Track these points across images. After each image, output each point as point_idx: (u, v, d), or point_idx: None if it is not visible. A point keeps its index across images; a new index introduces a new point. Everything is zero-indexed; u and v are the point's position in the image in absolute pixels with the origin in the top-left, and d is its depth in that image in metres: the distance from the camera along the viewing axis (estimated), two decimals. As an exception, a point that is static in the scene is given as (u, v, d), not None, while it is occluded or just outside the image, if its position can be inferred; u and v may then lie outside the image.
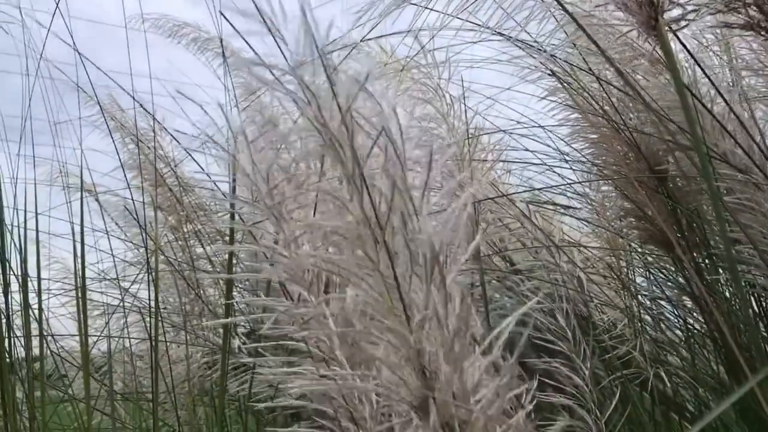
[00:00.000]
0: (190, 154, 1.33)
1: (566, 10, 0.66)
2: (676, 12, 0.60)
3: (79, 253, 0.94)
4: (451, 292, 0.39)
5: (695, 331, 1.24)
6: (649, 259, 1.25)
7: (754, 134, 0.90)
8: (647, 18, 0.59)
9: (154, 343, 0.84)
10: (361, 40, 1.12)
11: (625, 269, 1.26)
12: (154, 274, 1.00)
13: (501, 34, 1.02)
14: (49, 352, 1.18)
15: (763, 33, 0.61)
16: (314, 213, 0.52)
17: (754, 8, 0.60)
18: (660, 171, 1.12)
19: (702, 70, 0.84)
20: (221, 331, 1.11)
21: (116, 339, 1.13)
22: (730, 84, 0.98)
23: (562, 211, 1.29)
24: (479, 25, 1.00)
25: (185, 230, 1.33)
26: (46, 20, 1.16)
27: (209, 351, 1.12)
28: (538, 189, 1.30)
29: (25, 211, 1.07)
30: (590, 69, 1.07)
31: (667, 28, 0.61)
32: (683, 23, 0.61)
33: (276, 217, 0.50)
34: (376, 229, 0.40)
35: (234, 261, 1.15)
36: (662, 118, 0.98)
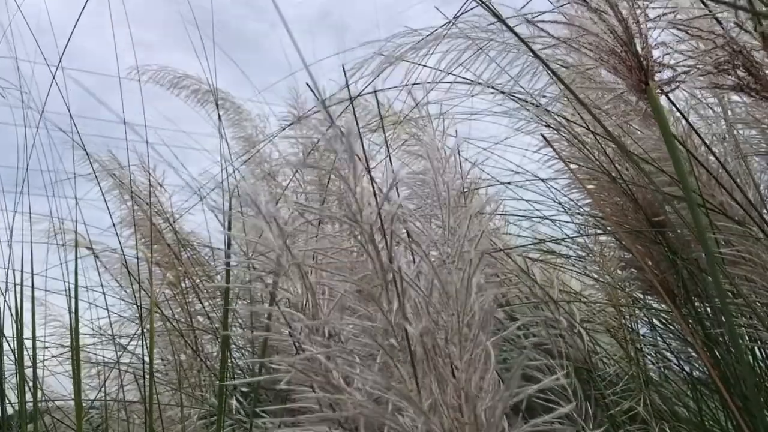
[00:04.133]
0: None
1: (552, 71, 0.66)
2: (666, 74, 0.61)
3: (74, 311, 0.93)
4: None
5: (700, 381, 1.22)
6: (652, 309, 1.23)
7: (748, 186, 0.90)
8: (637, 82, 0.59)
9: (148, 407, 0.83)
10: (356, 96, 1.13)
11: (628, 320, 1.24)
12: (149, 333, 0.99)
13: (494, 88, 1.03)
14: (43, 410, 1.16)
15: (753, 94, 0.61)
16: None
17: (743, 70, 0.60)
18: (658, 222, 1.11)
19: (692, 128, 0.85)
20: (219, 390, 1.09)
21: (111, 401, 1.12)
22: (725, 136, 0.98)
23: (562, 262, 1.29)
24: (472, 81, 1.00)
25: (183, 286, 1.32)
26: (45, 71, 1.17)
27: (206, 413, 1.10)
28: (538, 241, 1.30)
29: (22, 271, 1.07)
30: (584, 120, 1.07)
31: (658, 90, 0.61)
32: (674, 86, 0.62)
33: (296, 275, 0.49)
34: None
35: (231, 319, 1.14)
36: (655, 170, 0.98)
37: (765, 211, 0.97)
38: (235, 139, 1.82)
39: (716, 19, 0.61)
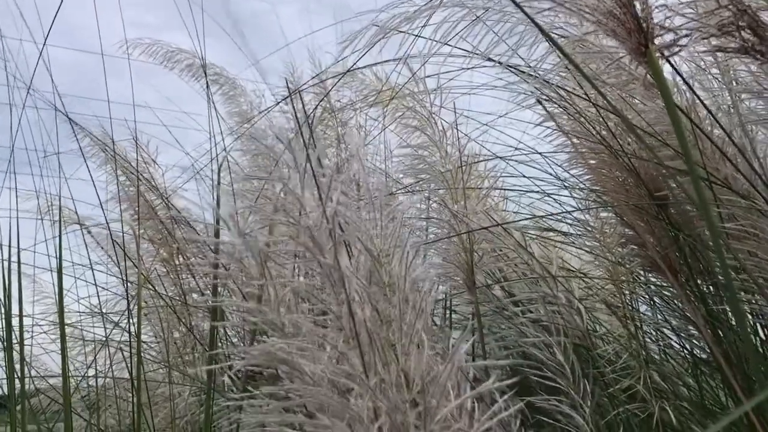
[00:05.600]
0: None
1: (552, 41, 0.63)
2: (668, 37, 0.58)
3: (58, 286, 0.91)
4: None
5: (701, 359, 1.20)
6: (653, 287, 1.21)
7: (754, 159, 0.87)
8: (637, 45, 0.56)
9: (136, 384, 0.81)
10: (350, 69, 1.10)
11: (628, 298, 1.22)
12: (137, 311, 0.97)
13: (492, 60, 0.99)
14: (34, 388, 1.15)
15: (759, 57, 0.58)
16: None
17: (749, 31, 0.57)
18: (660, 197, 1.09)
19: (696, 96, 0.82)
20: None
21: (103, 377, 1.10)
22: (730, 107, 0.95)
23: (561, 239, 1.26)
24: (470, 52, 0.97)
25: (176, 263, 1.30)
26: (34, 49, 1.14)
27: (199, 390, 1.09)
28: (536, 217, 1.27)
29: (9, 246, 1.05)
30: (586, 94, 1.04)
31: (658, 54, 0.58)
32: (675, 49, 0.59)
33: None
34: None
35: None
36: (658, 143, 0.95)
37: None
38: (229, 114, 1.79)
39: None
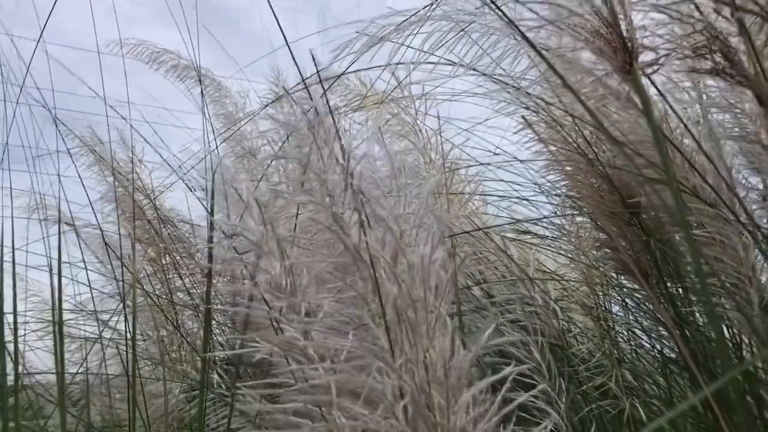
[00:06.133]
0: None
1: (538, 51, 0.68)
2: (649, 57, 0.62)
3: (56, 287, 0.94)
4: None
5: (670, 359, 1.25)
6: (625, 289, 1.26)
7: (721, 170, 0.93)
8: (622, 63, 0.61)
9: (131, 380, 0.84)
10: (340, 75, 1.13)
11: (602, 299, 1.27)
12: (131, 309, 1.00)
13: (476, 71, 1.04)
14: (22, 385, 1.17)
15: (728, 78, 0.63)
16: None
17: (720, 55, 0.62)
18: (633, 203, 1.14)
19: (673, 110, 0.87)
20: (200, 365, 1.10)
21: (93, 374, 1.13)
22: (700, 120, 1.01)
23: (538, 242, 1.31)
24: (454, 62, 1.01)
25: (164, 263, 1.33)
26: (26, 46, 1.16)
27: (188, 387, 1.12)
28: (516, 221, 1.32)
29: (2, 245, 1.07)
30: (562, 102, 1.09)
31: (640, 71, 0.63)
32: (655, 68, 0.63)
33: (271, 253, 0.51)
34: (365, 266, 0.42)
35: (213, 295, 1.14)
36: (632, 153, 1.00)
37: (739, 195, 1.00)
38: (215, 116, 1.82)
39: (695, 4, 0.63)
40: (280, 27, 0.81)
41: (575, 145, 1.17)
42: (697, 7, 0.62)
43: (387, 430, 0.38)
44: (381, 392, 0.39)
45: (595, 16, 0.60)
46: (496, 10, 0.64)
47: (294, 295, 0.53)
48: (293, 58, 0.77)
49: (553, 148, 1.22)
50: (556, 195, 1.28)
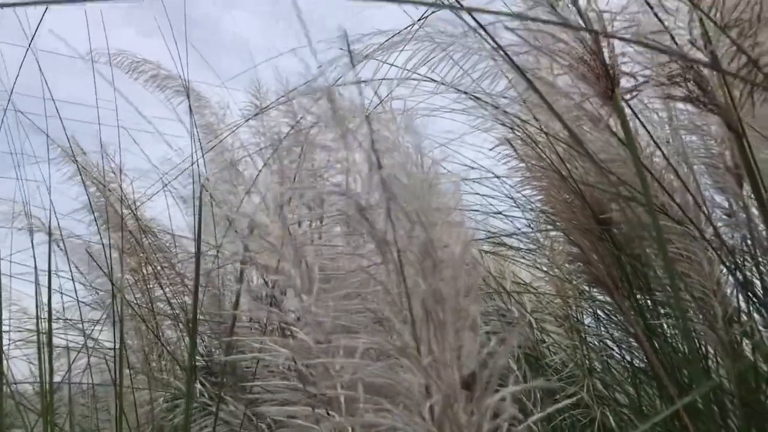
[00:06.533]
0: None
1: (526, 78, 0.71)
2: (629, 83, 0.66)
3: (43, 299, 0.95)
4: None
5: (639, 369, 1.30)
6: (597, 301, 1.31)
7: (689, 188, 0.97)
8: (605, 89, 0.65)
9: (118, 389, 0.86)
10: (335, 83, 1.16)
11: (574, 311, 1.32)
12: (114, 318, 1.01)
13: (458, 90, 1.07)
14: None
15: (701, 106, 0.67)
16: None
17: (693, 84, 0.66)
18: (604, 219, 1.18)
19: (646, 130, 0.91)
20: (181, 374, 1.12)
21: (77, 384, 1.14)
22: (669, 140, 1.05)
23: (513, 254, 1.35)
24: (436, 81, 1.05)
25: (145, 273, 1.34)
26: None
27: (171, 396, 1.13)
28: (494, 235, 1.35)
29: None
30: (537, 120, 1.13)
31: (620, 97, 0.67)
32: (634, 94, 0.67)
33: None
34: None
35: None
36: (605, 170, 1.05)
37: (706, 213, 1.04)
38: (196, 126, 1.83)
39: (671, 35, 0.67)
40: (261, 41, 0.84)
41: (549, 161, 1.21)
42: (673, 38, 0.66)
43: (413, 428, 0.38)
44: (407, 390, 0.38)
45: (579, 43, 0.64)
46: (486, 36, 0.67)
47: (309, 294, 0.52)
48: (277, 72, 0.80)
49: (528, 164, 1.26)
50: (530, 210, 1.32)
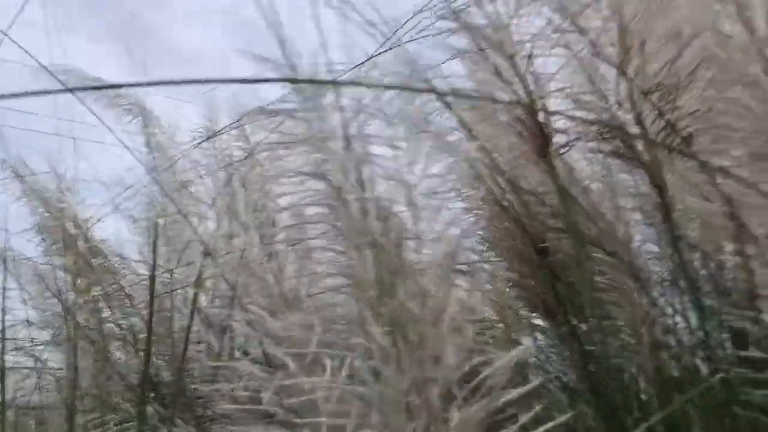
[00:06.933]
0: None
1: (472, 136, 0.77)
2: (562, 139, 0.73)
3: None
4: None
5: (576, 391, 1.36)
6: (537, 327, 1.37)
7: (620, 222, 1.04)
8: (540, 146, 0.71)
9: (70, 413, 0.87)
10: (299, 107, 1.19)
11: (515, 336, 1.37)
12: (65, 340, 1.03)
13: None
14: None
15: (627, 161, 0.74)
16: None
17: (620, 141, 0.73)
18: (543, 248, 1.25)
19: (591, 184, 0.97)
20: (131, 398, 1.13)
21: (29, 409, 1.14)
22: (603, 177, 1.12)
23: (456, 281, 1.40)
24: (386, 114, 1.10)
25: (94, 294, 1.35)
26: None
27: (121, 419, 1.14)
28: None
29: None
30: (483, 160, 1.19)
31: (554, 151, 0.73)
32: (567, 148, 0.74)
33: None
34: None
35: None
36: (542, 203, 1.11)
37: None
38: (145, 146, 1.84)
39: (604, 95, 0.74)
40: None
41: (491, 191, 1.27)
42: (606, 98, 0.73)
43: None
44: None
45: (517, 104, 0.70)
46: (441, 98, 0.73)
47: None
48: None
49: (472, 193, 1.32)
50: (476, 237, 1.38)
